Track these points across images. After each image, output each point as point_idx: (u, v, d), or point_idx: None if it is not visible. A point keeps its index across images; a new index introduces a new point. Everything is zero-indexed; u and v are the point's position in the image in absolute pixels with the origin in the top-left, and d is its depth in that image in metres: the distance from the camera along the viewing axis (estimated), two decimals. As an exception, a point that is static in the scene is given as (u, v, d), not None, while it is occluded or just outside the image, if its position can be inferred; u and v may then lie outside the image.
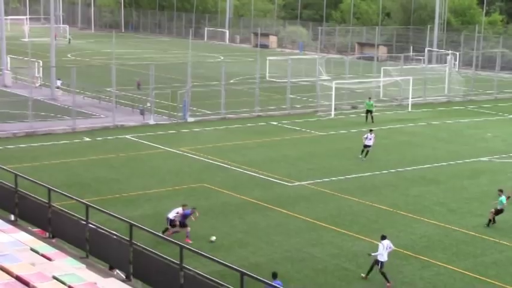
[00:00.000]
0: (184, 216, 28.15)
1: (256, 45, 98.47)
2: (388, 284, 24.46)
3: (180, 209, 28.35)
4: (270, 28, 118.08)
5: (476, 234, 29.72)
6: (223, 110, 54.11)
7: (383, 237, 25.18)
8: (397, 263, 26.33)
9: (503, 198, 30.88)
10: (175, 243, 14.77)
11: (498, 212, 30.88)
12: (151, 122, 51.00)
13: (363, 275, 25.09)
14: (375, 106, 54.95)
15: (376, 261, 24.80)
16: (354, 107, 59.98)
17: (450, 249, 28.13)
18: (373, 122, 52.46)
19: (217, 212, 31.69)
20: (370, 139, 42.09)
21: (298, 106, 58.96)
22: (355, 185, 36.38)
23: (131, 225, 15.19)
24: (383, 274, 24.62)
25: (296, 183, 36.74)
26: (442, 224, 30.88)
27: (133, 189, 34.71)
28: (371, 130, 43.26)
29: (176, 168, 39.05)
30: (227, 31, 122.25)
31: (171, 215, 28.24)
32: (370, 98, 55.17)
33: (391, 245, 25.19)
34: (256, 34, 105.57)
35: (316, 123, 53.42)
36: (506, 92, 70.20)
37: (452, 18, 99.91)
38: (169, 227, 28.03)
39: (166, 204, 31.34)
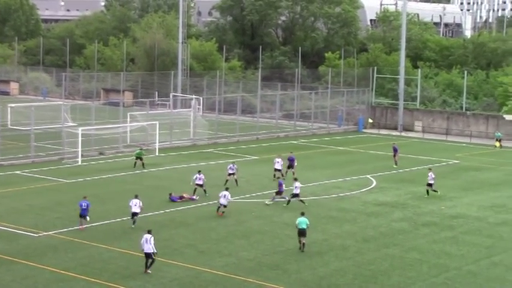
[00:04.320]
0: None
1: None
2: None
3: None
4: (10, 74, 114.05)
5: (225, 274, 30.51)
6: (-39, 161, 51.22)
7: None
8: (149, 308, 26.28)
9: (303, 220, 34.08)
10: None
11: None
12: None
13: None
14: (145, 154, 55.52)
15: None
16: (101, 153, 59.44)
17: (201, 290, 28.62)
18: (134, 167, 53.60)
19: (-44, 270, 29.74)
20: (233, 169, 48.69)
21: (43, 154, 57.27)
22: (105, 232, 35.92)
23: None
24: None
25: (43, 234, 35.53)
26: (192, 266, 31.35)
27: None
28: (233, 162, 50.04)
29: None
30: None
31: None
32: (141, 148, 56.35)
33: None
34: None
35: (63, 171, 52.20)
36: (247, 135, 73.28)
37: (195, 63, 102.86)
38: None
39: None
